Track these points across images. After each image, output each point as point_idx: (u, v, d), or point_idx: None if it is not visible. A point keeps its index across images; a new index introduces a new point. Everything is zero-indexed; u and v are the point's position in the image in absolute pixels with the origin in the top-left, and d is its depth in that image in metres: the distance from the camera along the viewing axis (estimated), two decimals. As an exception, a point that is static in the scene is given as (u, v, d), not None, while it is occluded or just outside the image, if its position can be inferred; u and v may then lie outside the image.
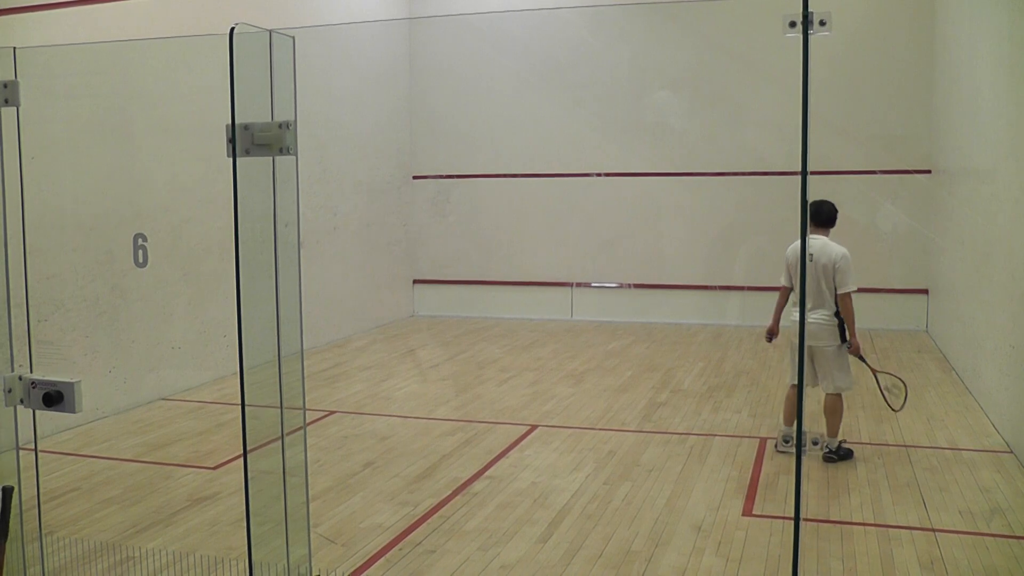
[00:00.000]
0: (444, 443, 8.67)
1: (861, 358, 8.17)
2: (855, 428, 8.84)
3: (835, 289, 7.96)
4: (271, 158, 3.96)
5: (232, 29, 3.83)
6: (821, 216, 8.16)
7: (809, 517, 6.69)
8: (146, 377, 10.19)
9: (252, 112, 3.95)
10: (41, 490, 7.46)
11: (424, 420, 9.53)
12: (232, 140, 3.89)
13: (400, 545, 6.31)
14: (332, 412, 9.82)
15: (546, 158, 15.77)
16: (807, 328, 8.10)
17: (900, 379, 8.38)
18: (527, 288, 16.00)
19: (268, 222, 4.41)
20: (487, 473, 7.78)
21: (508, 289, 16.09)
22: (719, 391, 10.54)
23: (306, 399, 10.01)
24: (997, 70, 9.36)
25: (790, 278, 8.29)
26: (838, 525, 6.55)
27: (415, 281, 16.66)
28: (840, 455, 8.05)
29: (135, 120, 9.90)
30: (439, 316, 16.30)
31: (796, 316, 8.17)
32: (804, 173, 3.26)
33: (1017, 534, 6.36)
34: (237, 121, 3.87)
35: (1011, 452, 8.10)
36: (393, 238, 16.04)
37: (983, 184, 10.05)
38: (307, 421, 9.18)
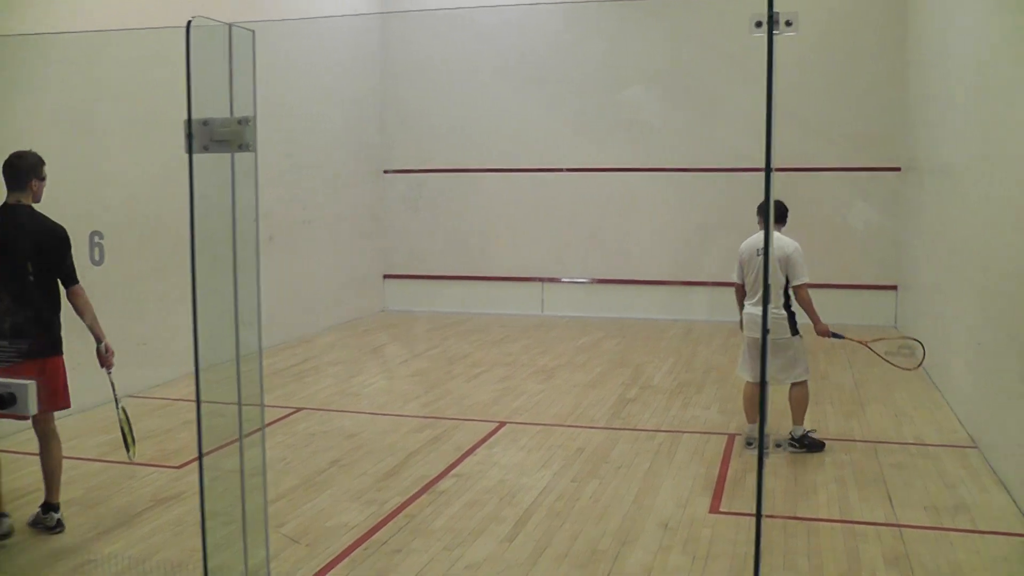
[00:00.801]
0: (412, 440, 8.62)
1: (837, 335, 8.23)
2: (823, 423, 8.85)
3: (786, 282, 8.04)
4: (230, 154, 3.89)
5: (189, 22, 3.77)
6: (782, 212, 8.28)
7: (776, 514, 6.68)
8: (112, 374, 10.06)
9: (211, 107, 3.89)
10: (1, 491, 7.39)
11: (392, 417, 9.48)
12: (189, 136, 3.83)
13: (365, 545, 6.26)
14: (300, 409, 9.76)
15: (519, 153, 15.73)
16: (757, 320, 8.17)
17: (912, 339, 8.35)
18: (498, 283, 15.97)
19: (227, 219, 4.35)
20: (455, 471, 7.75)
21: (479, 284, 16.04)
22: (689, 387, 10.54)
23: (275, 395, 10.01)
24: (967, 69, 9.39)
25: (742, 274, 8.34)
26: (805, 522, 6.55)
27: (386, 276, 16.60)
28: (805, 444, 8.10)
29: (103, 113, 9.78)
30: (410, 311, 16.24)
31: (749, 310, 8.23)
32: (768, 170, 3.24)
33: (980, 529, 6.40)
34: (195, 116, 3.82)
35: (976, 447, 8.14)
36: (364, 232, 15.97)
37: (952, 182, 10.08)
38: (275, 418, 9.18)
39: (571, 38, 15.49)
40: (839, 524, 6.51)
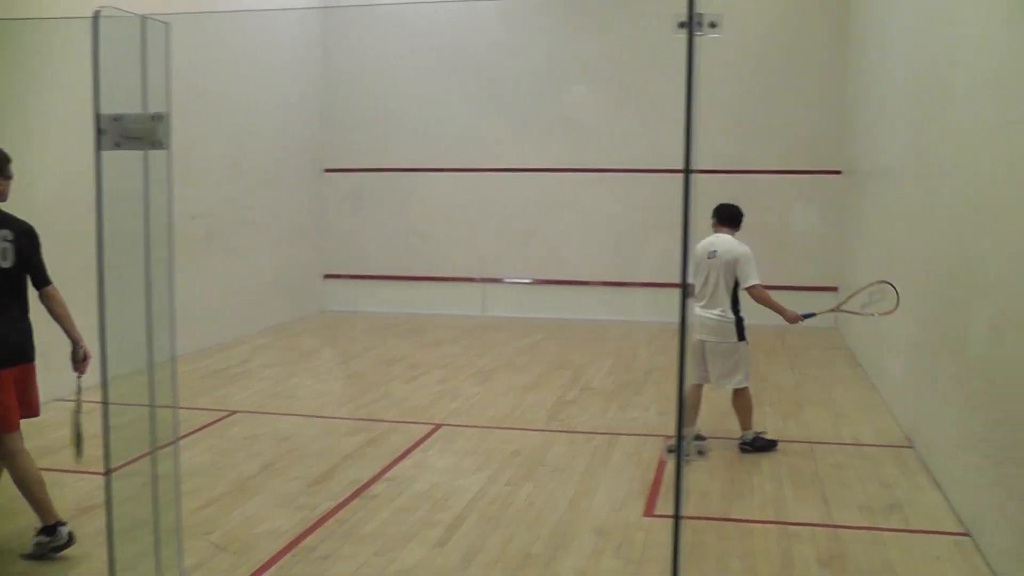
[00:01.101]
0: (346, 444, 8.49)
1: (809, 315, 8.25)
2: (761, 425, 8.80)
3: (735, 287, 8.09)
4: (143, 152, 3.73)
5: (97, 12, 3.60)
6: (724, 214, 8.35)
7: (711, 516, 6.64)
8: (39, 377, 9.84)
9: (126, 103, 3.73)
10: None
11: (327, 419, 9.34)
12: (99, 132, 3.68)
13: (294, 551, 6.12)
14: (234, 412, 9.58)
15: (460, 153, 15.61)
16: (705, 324, 8.21)
17: (880, 282, 8.29)
18: (439, 284, 15.85)
19: (138, 219, 4.20)
20: (388, 474, 7.62)
21: (420, 285, 15.92)
22: (628, 388, 10.48)
23: (210, 398, 9.83)
24: (902, 73, 9.44)
25: (694, 275, 8.31)
26: (739, 523, 6.51)
27: (326, 276, 16.42)
28: (757, 446, 8.10)
29: (28, 106, 9.53)
30: (350, 311, 16.08)
31: (697, 312, 8.21)
32: (687, 171, 3.16)
33: (914, 528, 6.41)
34: (106, 112, 3.66)
35: (912, 447, 8.15)
36: (304, 232, 15.79)
37: (889, 185, 10.12)
38: (209, 421, 9.01)
39: (512, 38, 15.41)
40: (773, 525, 6.47)
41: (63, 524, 6.08)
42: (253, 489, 7.32)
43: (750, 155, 14.34)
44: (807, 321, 8.26)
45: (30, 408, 6.13)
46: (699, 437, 8.30)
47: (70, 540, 6.09)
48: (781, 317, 8.24)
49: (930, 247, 7.88)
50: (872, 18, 11.83)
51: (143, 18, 3.66)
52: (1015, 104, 5.68)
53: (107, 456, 4.40)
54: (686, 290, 3.21)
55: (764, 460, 7.89)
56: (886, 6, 10.85)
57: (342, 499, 7.05)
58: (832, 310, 8.34)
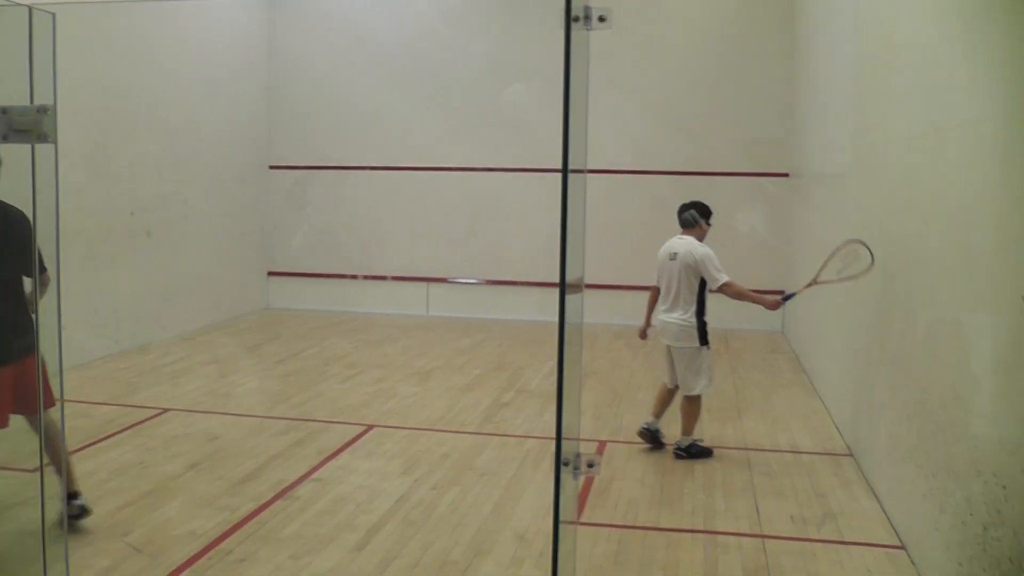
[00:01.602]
0: (275, 443, 8.30)
1: (789, 296, 8.25)
2: (698, 430, 8.67)
3: (700, 289, 8.03)
4: (30, 145, 3.56)
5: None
6: (693, 217, 8.24)
7: (637, 524, 6.51)
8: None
9: (15, 95, 3.57)
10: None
11: (259, 418, 9.14)
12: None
13: (210, 554, 5.95)
14: (167, 410, 9.36)
15: (405, 151, 15.44)
16: (667, 329, 8.16)
17: (852, 241, 8.21)
18: (383, 282, 15.66)
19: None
20: (314, 475, 7.45)
21: (365, 283, 15.73)
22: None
23: (144, 395, 9.63)
24: (844, 76, 9.38)
25: (658, 278, 8.25)
26: (666, 532, 6.38)
27: (270, 273, 16.19)
28: (692, 453, 8.01)
29: None
30: (293, 309, 15.87)
31: (661, 316, 8.13)
32: (564, 172, 3.02)
33: (846, 539, 6.28)
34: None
35: (851, 455, 8.05)
36: (248, 228, 15.55)
37: (831, 188, 10.06)
38: (140, 419, 8.81)
39: (453, 36, 15.24)
40: (701, 534, 6.34)
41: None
42: (176, 489, 7.14)
43: (698, 157, 14.27)
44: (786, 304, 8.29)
45: (26, 404, 5.84)
46: (654, 431, 8.25)
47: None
48: (762, 307, 8.25)
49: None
50: (816, 19, 11.79)
51: (30, 8, 3.49)
52: (951, 108, 5.60)
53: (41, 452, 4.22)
54: (564, 289, 3.06)
55: (698, 467, 7.78)
56: (828, 7, 10.81)
57: (264, 500, 6.89)
58: (809, 285, 8.23)
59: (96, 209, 11.50)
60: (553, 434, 8.25)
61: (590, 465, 3.39)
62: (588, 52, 3.24)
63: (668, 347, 8.21)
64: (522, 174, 14.83)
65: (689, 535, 6.33)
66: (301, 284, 16.03)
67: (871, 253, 7.32)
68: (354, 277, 15.80)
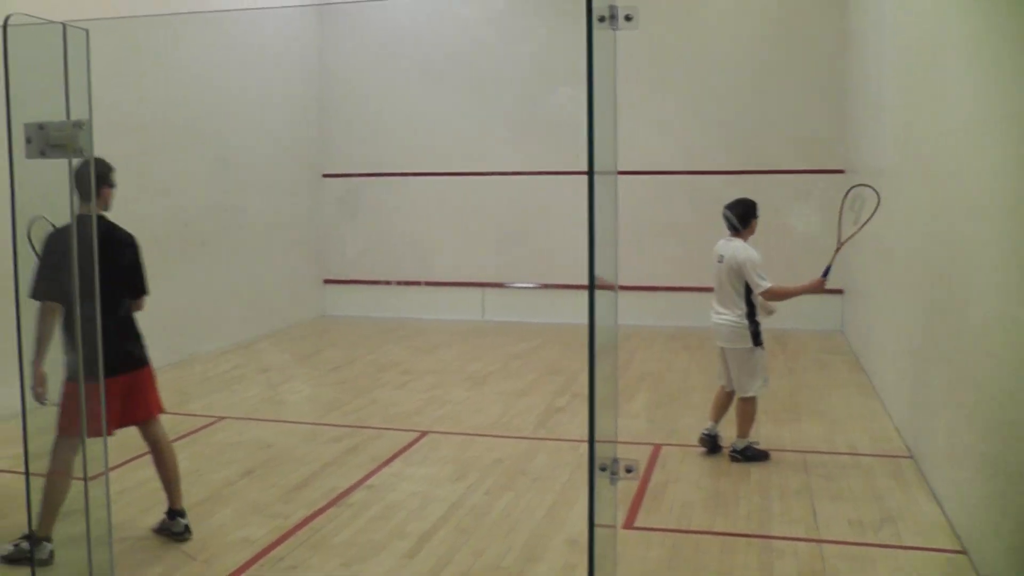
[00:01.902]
0: (328, 450, 8.32)
1: (828, 268, 8.13)
2: (754, 432, 8.56)
3: (747, 291, 7.93)
4: (67, 160, 3.58)
5: (6, 19, 3.45)
6: (731, 221, 8.15)
7: (691, 528, 6.43)
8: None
9: (47, 111, 3.58)
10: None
11: (312, 425, 9.18)
12: (9, 140, 3.53)
13: (262, 561, 5.97)
14: (222, 418, 9.44)
15: (455, 157, 15.46)
16: (719, 329, 8.10)
17: (855, 187, 8.11)
18: (438, 288, 15.67)
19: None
20: (367, 482, 7.45)
21: (420, 289, 15.75)
22: (620, 394, 10.27)
23: (199, 404, 9.71)
24: (894, 70, 9.24)
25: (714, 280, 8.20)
26: (720, 537, 6.29)
27: (325, 281, 16.28)
28: (748, 456, 7.91)
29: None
30: (349, 316, 15.93)
31: (714, 318, 8.04)
32: (591, 174, 2.98)
33: (905, 544, 6.14)
34: (30, 120, 3.52)
35: (911, 457, 7.90)
36: (302, 237, 15.65)
37: (885, 185, 9.90)
38: (195, 428, 8.87)
39: (499, 41, 15.24)
40: (756, 539, 6.24)
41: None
42: (229, 496, 7.19)
43: (750, 156, 14.13)
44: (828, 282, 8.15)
45: (135, 415, 6.28)
46: (713, 436, 8.18)
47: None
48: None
49: (923, 249, 7.67)
50: (866, 10, 11.62)
51: (64, 25, 3.50)
52: (999, 100, 5.47)
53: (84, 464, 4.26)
54: (593, 291, 3.02)
55: (754, 471, 7.67)
56: (877, 3, 10.65)
57: (317, 508, 6.90)
58: (839, 249, 8.10)
59: (149, 221, 11.57)
60: (607, 439, 8.19)
61: (628, 470, 3.34)
62: (615, 52, 3.19)
63: (722, 349, 8.13)
64: (573, 177, 14.76)
65: (744, 540, 6.24)
66: (356, 291, 16.09)
67: (875, 191, 7.21)
68: (408, 283, 15.82)
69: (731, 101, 14.36)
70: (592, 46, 2.87)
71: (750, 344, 7.95)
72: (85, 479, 5.37)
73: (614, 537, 3.86)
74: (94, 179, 5.51)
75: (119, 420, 6.13)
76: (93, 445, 5.06)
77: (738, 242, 8.02)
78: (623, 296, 13.93)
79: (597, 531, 3.30)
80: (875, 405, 9.66)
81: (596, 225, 2.98)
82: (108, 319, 5.83)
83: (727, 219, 8.14)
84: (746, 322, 7.94)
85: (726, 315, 8.01)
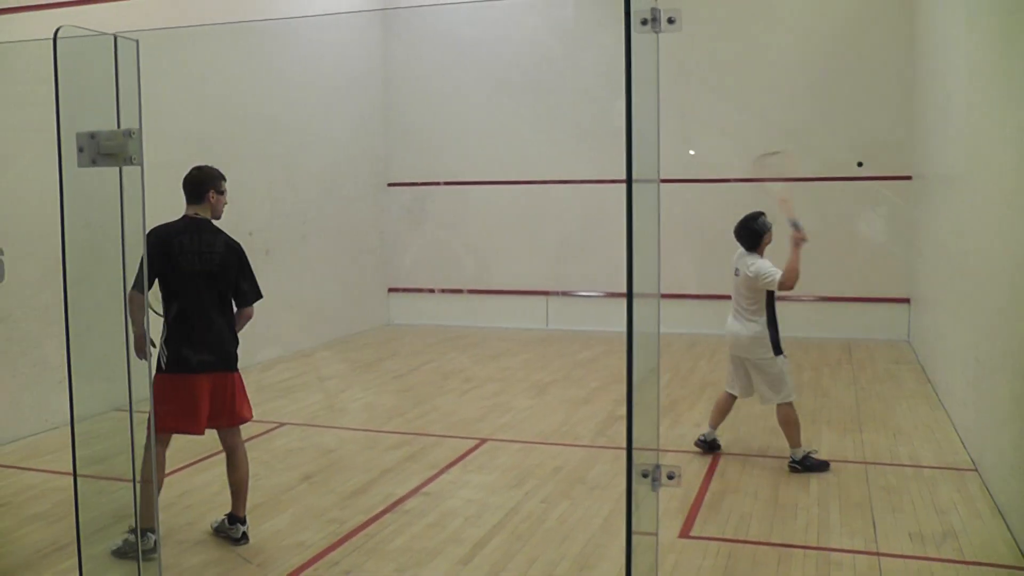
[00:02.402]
0: (388, 457, 8.37)
1: (795, 223, 8.02)
2: (816, 442, 8.52)
3: (768, 300, 7.98)
4: (118, 169, 3.64)
5: (56, 31, 3.52)
6: (743, 236, 8.20)
7: (748, 539, 6.37)
8: (98, 387, 9.87)
9: (96, 120, 3.65)
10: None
11: (373, 433, 9.24)
12: (59, 149, 3.60)
13: (316, 565, 6.02)
14: (283, 424, 9.54)
15: (520, 165, 15.50)
16: (738, 340, 8.08)
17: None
18: (503, 296, 15.70)
19: (115, 237, 4.11)
20: (424, 489, 7.48)
21: (484, 298, 15.79)
22: (681, 403, 10.22)
23: (260, 410, 9.78)
24: (960, 75, 9.11)
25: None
26: (777, 548, 6.22)
27: (390, 289, 16.38)
28: (807, 466, 7.82)
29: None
30: (414, 325, 16.01)
31: (730, 328, 8.00)
32: (629, 182, 2.98)
33: (967, 559, 6.02)
34: (81, 129, 3.59)
35: (975, 470, 7.76)
36: (367, 246, 15.77)
37: (953, 191, 9.76)
38: (256, 433, 8.96)
39: (563, 48, 15.22)
40: (814, 551, 6.17)
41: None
42: (288, 501, 7.27)
43: (815, 162, 13.99)
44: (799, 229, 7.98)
45: (221, 418, 6.39)
46: (710, 442, 8.26)
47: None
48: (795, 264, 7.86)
49: (990, 257, 7.54)
50: (935, 17, 11.45)
51: (115, 36, 3.57)
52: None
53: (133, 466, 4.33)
54: (632, 298, 3.02)
55: (814, 481, 7.58)
56: (946, 3, 10.50)
57: (374, 514, 6.95)
58: (785, 202, 8.25)
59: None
60: (668, 447, 8.18)
61: (670, 476, 3.32)
62: (657, 55, 3.18)
63: (737, 358, 8.15)
64: (636, 185, 14.73)
65: (801, 551, 6.17)
66: (421, 300, 16.18)
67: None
68: (473, 292, 15.87)
69: (794, 106, 14.23)
70: (631, 50, 2.86)
71: (771, 353, 7.91)
72: (134, 480, 5.44)
73: (655, 545, 3.83)
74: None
75: (208, 420, 6.31)
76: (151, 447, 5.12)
77: (752, 256, 8.03)
78: (690, 305, 13.93)
79: (639, 539, 3.28)
80: (940, 416, 9.51)
81: (635, 232, 2.97)
82: (208, 319, 6.22)
83: (739, 235, 8.19)
84: (766, 332, 7.93)
85: (745, 326, 8.01)
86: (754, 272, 7.87)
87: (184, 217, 6.34)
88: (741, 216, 8.27)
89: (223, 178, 6.40)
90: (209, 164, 6.42)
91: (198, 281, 6.19)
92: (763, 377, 7.98)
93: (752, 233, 8.07)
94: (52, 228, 3.99)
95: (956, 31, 9.71)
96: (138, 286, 5.32)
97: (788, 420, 7.93)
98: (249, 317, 6.50)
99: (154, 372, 6.04)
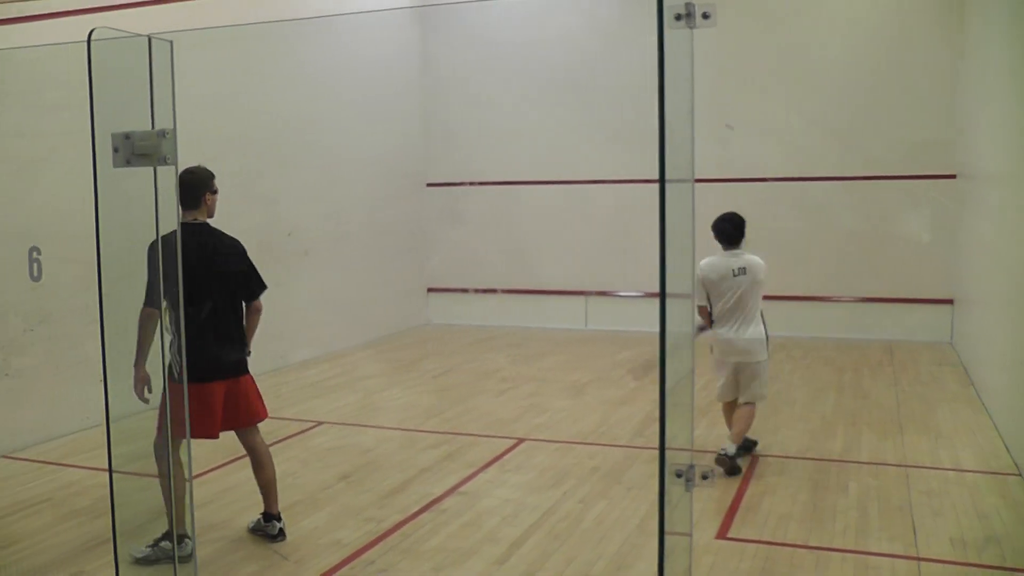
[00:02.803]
0: (425, 457, 8.38)
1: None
2: (855, 445, 8.46)
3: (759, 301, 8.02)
4: (152, 168, 3.66)
5: (91, 33, 3.54)
6: (730, 234, 8.11)
7: (786, 542, 6.32)
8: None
9: (131, 120, 3.67)
10: (11, 501, 7.33)
11: (411, 432, 9.25)
12: (93, 150, 3.62)
13: (352, 563, 6.04)
14: (321, 423, 9.58)
15: (558, 165, 15.48)
16: (743, 345, 7.99)
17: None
18: (541, 297, 15.68)
19: (149, 236, 4.15)
20: (461, 489, 7.48)
21: (523, 298, 15.78)
22: (718, 405, 10.10)
23: (297, 409, 9.85)
24: (1004, 72, 9.00)
25: (707, 296, 8.04)
26: (815, 551, 6.16)
27: (429, 289, 16.41)
28: (737, 456, 7.89)
29: (43, 127, 9.16)
30: (453, 325, 16.03)
31: (733, 335, 7.94)
32: (662, 181, 2.96)
33: (1009, 565, 5.94)
34: (116, 130, 3.60)
35: (1019, 475, 7.65)
36: (406, 246, 15.81)
37: (998, 190, 9.64)
38: (293, 432, 9.00)
39: (602, 48, 15.18)
40: (852, 554, 6.10)
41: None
42: (325, 500, 7.29)
43: (858, 161, 13.88)
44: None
45: (237, 420, 6.35)
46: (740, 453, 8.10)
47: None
48: None
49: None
50: (980, 14, 11.33)
51: (149, 38, 3.59)
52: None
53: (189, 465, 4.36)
54: (665, 297, 3.00)
55: (853, 484, 7.51)
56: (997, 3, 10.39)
57: (410, 513, 6.95)
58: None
59: (252, 231, 11.75)
60: (705, 448, 8.14)
61: (704, 477, 3.29)
62: (691, 51, 3.16)
63: (736, 364, 8.05)
64: (674, 184, 14.67)
65: (839, 555, 6.11)
66: (460, 300, 16.20)
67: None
68: (511, 292, 15.86)
69: (837, 103, 14.11)
70: (664, 46, 2.83)
71: (766, 356, 8.02)
72: (171, 480, 5.49)
73: (689, 545, 3.81)
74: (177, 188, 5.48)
75: (222, 423, 6.27)
76: (187, 448, 5.15)
77: (743, 252, 8.00)
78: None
79: (673, 539, 3.25)
80: (983, 420, 9.40)
81: (668, 233, 2.95)
82: (215, 325, 6.13)
83: (725, 232, 8.05)
84: (765, 333, 8.02)
85: (748, 329, 7.95)
86: (764, 268, 7.96)
87: (184, 224, 5.97)
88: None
89: (214, 176, 6.23)
90: (201, 164, 6.25)
91: (212, 286, 6.12)
92: (760, 378, 8.02)
93: (741, 225, 8.08)
94: (90, 229, 4.00)
95: (1001, 29, 9.60)
96: (153, 301, 5.30)
97: (751, 417, 8.03)
98: (259, 310, 6.45)
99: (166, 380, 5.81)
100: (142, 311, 5.55)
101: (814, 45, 14.33)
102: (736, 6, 13.64)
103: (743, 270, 7.90)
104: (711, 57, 13.61)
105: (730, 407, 8.24)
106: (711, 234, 7.90)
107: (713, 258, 7.99)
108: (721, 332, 8.01)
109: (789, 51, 14.35)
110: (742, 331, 7.95)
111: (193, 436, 6.07)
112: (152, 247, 4.87)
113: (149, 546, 5.99)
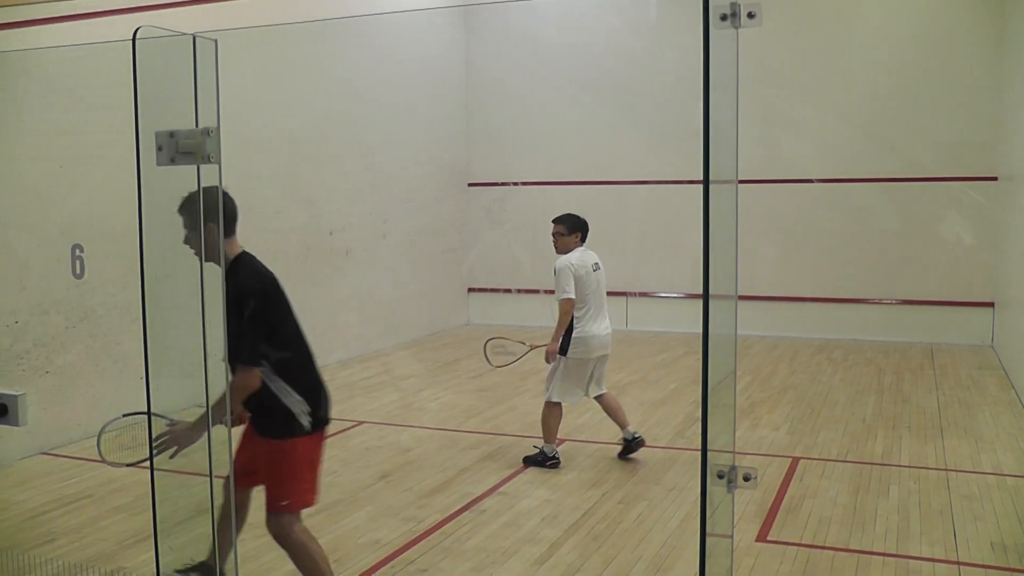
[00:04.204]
0: (465, 457, 8.42)
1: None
2: (895, 449, 8.42)
3: None
4: (196, 167, 3.68)
5: (136, 32, 3.59)
6: (580, 226, 9.00)
7: (827, 545, 6.30)
8: (181, 383, 10.01)
9: (175, 119, 3.69)
10: (53, 497, 7.42)
11: (451, 432, 9.30)
12: (137, 148, 3.66)
13: (392, 563, 6.07)
14: (361, 422, 9.63)
15: (600, 166, 15.48)
16: (607, 339, 8.47)
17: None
18: (582, 297, 15.65)
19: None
20: (501, 489, 7.52)
21: (564, 298, 15.75)
22: (761, 406, 10.13)
23: (338, 408, 9.85)
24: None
25: (579, 291, 8.46)
26: (855, 555, 6.14)
27: (470, 290, 16.45)
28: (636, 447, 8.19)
29: (84, 126, 9.10)
30: (494, 325, 16.01)
31: (601, 330, 8.37)
32: (706, 183, 2.96)
33: (1050, 569, 5.93)
34: (160, 128, 3.64)
35: (1062, 480, 7.62)
36: (447, 246, 15.85)
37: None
38: (334, 431, 9.03)
39: (644, 48, 15.15)
40: (892, 558, 6.08)
41: None
42: (365, 499, 7.33)
43: (899, 161, 13.78)
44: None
45: (282, 492, 5.33)
46: (630, 440, 8.26)
47: None
48: None
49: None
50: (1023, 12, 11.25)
51: (194, 36, 3.63)
52: None
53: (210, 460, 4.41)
54: (708, 299, 3.00)
55: (894, 487, 7.47)
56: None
57: (450, 513, 6.99)
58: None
59: (294, 230, 11.88)
60: (745, 450, 8.12)
61: (746, 478, 3.29)
62: (736, 52, 3.16)
63: (599, 358, 8.37)
64: (716, 185, 14.64)
65: (880, 558, 6.09)
66: (501, 300, 16.22)
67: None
68: (549, 292, 15.83)
69: (880, 106, 14.02)
70: (709, 46, 2.83)
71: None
72: (211, 475, 5.42)
73: (731, 547, 3.81)
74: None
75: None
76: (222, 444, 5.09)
77: (593, 252, 8.69)
78: (770, 307, 13.84)
79: (714, 541, 3.26)
80: (1025, 424, 9.34)
81: (712, 234, 2.95)
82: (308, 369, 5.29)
83: (581, 227, 8.98)
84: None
85: (607, 323, 8.46)
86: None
87: (251, 255, 5.08)
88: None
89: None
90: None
91: (297, 324, 5.20)
92: (603, 371, 8.46)
93: (585, 223, 8.87)
94: (133, 227, 4.04)
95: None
96: (253, 358, 4.75)
97: (618, 402, 8.51)
98: (241, 385, 5.01)
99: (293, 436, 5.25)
100: (243, 371, 4.85)
101: (855, 47, 14.25)
102: (780, 6, 13.56)
103: (597, 265, 8.51)
104: (755, 58, 13.54)
105: (609, 398, 8.44)
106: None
107: (575, 253, 8.45)
108: (589, 328, 8.31)
109: (830, 53, 14.28)
110: (603, 325, 8.37)
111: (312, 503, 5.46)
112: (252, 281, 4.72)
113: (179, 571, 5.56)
